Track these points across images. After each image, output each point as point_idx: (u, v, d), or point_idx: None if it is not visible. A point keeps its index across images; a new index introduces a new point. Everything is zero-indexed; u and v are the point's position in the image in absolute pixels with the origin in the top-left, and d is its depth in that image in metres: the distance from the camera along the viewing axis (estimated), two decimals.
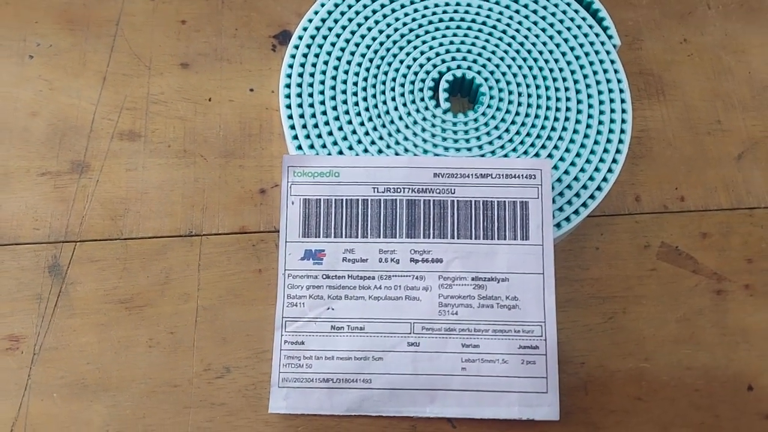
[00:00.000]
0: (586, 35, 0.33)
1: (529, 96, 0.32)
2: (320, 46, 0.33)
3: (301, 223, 0.29)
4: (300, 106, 0.31)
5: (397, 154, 0.31)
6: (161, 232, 0.31)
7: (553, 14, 0.33)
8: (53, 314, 0.30)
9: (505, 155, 0.31)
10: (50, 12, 0.35)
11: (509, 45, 0.33)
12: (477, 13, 0.33)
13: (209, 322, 0.30)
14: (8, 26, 0.35)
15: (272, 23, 0.35)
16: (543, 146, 0.31)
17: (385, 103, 0.32)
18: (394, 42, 0.33)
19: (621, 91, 0.32)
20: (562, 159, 0.31)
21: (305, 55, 0.33)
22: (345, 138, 0.31)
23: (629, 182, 0.33)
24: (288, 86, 0.32)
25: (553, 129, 0.32)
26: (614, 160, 0.31)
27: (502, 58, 0.33)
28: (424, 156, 0.30)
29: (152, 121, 0.33)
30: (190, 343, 0.29)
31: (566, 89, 0.32)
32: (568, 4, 0.34)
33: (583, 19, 0.34)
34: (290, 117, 0.31)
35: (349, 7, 0.33)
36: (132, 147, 0.33)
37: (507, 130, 0.31)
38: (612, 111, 0.32)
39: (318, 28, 0.33)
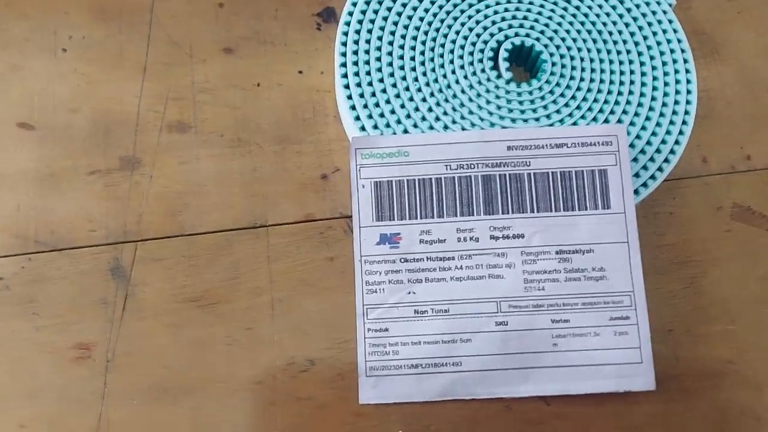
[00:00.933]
0: None
1: (591, 61, 0.31)
2: (372, 21, 0.31)
3: (373, 207, 0.28)
4: (358, 85, 0.30)
5: (463, 128, 0.30)
6: (225, 226, 0.30)
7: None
8: (122, 318, 0.28)
9: (574, 123, 0.30)
10: (79, 1, 0.33)
11: (565, 10, 0.32)
12: None
13: (286, 315, 0.29)
14: (36, 19, 0.33)
15: (313, 1, 0.34)
16: (612, 111, 0.30)
17: (445, 76, 0.31)
18: (447, 12, 0.32)
19: (682, 50, 0.32)
20: (632, 123, 0.30)
21: (357, 32, 0.31)
22: (408, 116, 0.30)
23: (695, 144, 0.32)
24: (344, 65, 0.31)
25: (619, 93, 0.31)
26: (684, 122, 0.30)
27: (560, 24, 0.32)
28: (495, 129, 0.29)
29: (201, 111, 0.32)
30: (269, 337, 0.28)
31: (628, 51, 0.31)
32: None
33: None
34: (349, 98, 0.30)
35: None
36: (183, 139, 0.31)
37: (573, 97, 0.31)
38: (676, 71, 0.31)
39: (368, 2, 0.32)
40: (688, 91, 0.31)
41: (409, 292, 0.28)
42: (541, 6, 0.32)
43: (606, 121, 0.30)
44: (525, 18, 0.32)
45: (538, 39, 0.32)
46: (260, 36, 0.33)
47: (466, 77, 0.31)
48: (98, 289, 0.29)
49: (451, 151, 0.29)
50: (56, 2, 0.33)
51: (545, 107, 0.30)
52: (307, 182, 0.31)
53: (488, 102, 0.30)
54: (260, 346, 0.28)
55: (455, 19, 0.32)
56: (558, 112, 0.30)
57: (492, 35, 0.31)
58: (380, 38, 0.31)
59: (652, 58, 0.31)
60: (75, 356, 0.28)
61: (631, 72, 0.31)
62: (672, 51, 0.32)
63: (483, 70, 0.31)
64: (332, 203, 0.31)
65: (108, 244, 0.29)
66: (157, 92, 0.32)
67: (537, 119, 0.30)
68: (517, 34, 0.32)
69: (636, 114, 0.31)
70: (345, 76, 0.31)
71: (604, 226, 0.28)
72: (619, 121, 0.30)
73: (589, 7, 0.32)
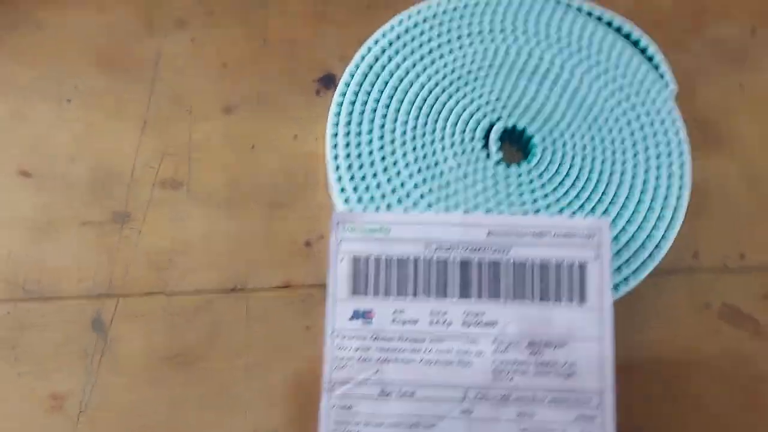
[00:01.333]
0: (641, 82, 0.32)
1: (584, 148, 0.31)
2: (368, 93, 0.32)
3: (350, 282, 0.28)
4: (348, 156, 0.31)
5: (447, 208, 0.30)
6: (207, 286, 0.30)
7: (608, 60, 0.32)
8: (98, 371, 0.29)
9: (560, 210, 0.30)
10: (88, 53, 0.34)
11: (561, 94, 0.32)
12: (528, 59, 0.32)
13: (259, 380, 0.29)
14: (43, 67, 0.34)
15: (315, 67, 0.34)
16: (599, 200, 0.30)
17: (434, 154, 0.31)
18: (443, 89, 0.32)
19: (679, 141, 0.31)
20: (618, 215, 0.30)
21: (352, 103, 0.32)
22: (394, 190, 0.30)
23: (687, 237, 0.32)
24: (335, 135, 0.31)
25: (608, 183, 0.31)
26: (673, 218, 0.30)
27: (555, 107, 0.32)
28: (477, 213, 0.29)
29: (195, 169, 0.32)
30: (240, 402, 0.29)
31: (622, 140, 0.31)
32: (622, 51, 0.33)
33: (638, 64, 0.32)
34: (337, 168, 0.30)
35: (397, 52, 0.32)
36: (174, 196, 0.32)
37: (561, 183, 0.31)
38: (670, 164, 0.31)
39: (366, 74, 0.32)
40: (681, 186, 0.31)
41: (377, 371, 0.28)
42: (538, 89, 0.32)
43: (593, 210, 0.30)
44: (520, 99, 0.32)
45: (531, 122, 0.31)
46: (260, 97, 0.34)
47: (455, 155, 0.31)
48: (79, 340, 0.29)
49: (432, 232, 0.29)
50: (65, 51, 0.34)
51: (532, 191, 0.30)
52: (292, 248, 0.31)
53: (474, 183, 0.30)
54: (232, 410, 0.29)
55: (450, 96, 0.32)
56: (545, 197, 0.30)
57: (485, 115, 0.32)
58: (374, 110, 0.31)
59: (646, 148, 0.31)
60: (50, 405, 0.29)
61: (623, 162, 0.31)
62: (668, 143, 0.31)
63: (473, 150, 0.31)
64: (314, 271, 0.31)
65: (91, 297, 0.30)
66: (154, 147, 0.33)
67: (522, 203, 0.30)
68: (510, 116, 0.32)
69: (624, 206, 0.30)
70: (335, 147, 0.31)
71: (579, 321, 0.28)
72: (606, 211, 0.30)
73: (587, 93, 0.32)
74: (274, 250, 0.31)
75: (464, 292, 0.28)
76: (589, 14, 0.34)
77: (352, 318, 0.28)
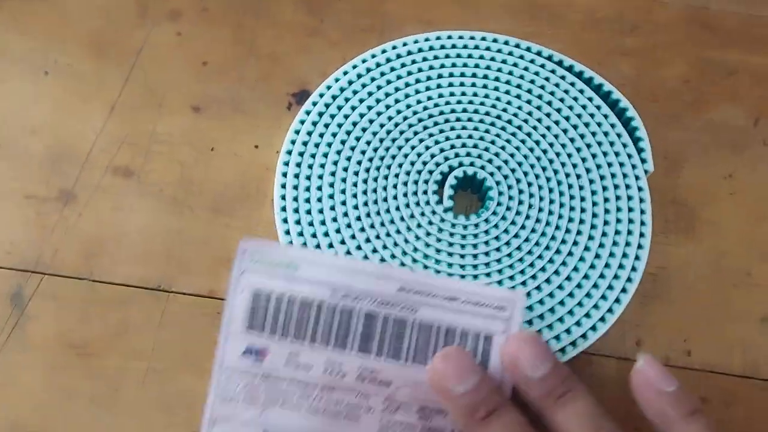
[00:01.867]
0: (617, 153, 0.31)
1: (540, 210, 0.30)
2: (332, 117, 0.31)
3: (247, 316, 0.26)
4: (296, 177, 0.30)
5: (393, 256, 0.29)
6: (130, 281, 0.30)
7: (587, 124, 0.31)
8: (3, 346, 0.29)
9: (500, 270, 0.29)
10: (79, 31, 0.35)
11: (531, 150, 0.31)
12: (500, 108, 0.31)
13: (157, 386, 0.28)
14: (35, 38, 0.34)
15: (294, 80, 0.34)
16: (543, 268, 0.29)
17: (386, 200, 0.30)
18: (409, 126, 0.31)
19: (642, 223, 0.29)
20: (560, 287, 0.28)
21: (314, 123, 0.31)
22: (338, 230, 0.29)
23: (634, 322, 0.30)
24: (289, 152, 0.30)
25: (557, 251, 0.29)
26: (617, 300, 0.28)
27: (519, 164, 0.30)
28: (391, 266, 0.28)
29: (150, 161, 0.32)
30: (132, 405, 0.28)
31: (582, 210, 0.30)
32: (606, 116, 0.31)
33: (618, 135, 0.31)
34: (283, 187, 0.30)
35: (373, 79, 0.32)
36: (123, 184, 0.32)
37: (508, 243, 0.29)
38: (627, 244, 0.29)
39: (335, 97, 0.31)
40: (633, 269, 0.29)
41: (262, 413, 0.26)
42: (508, 141, 0.31)
43: (534, 276, 0.28)
44: (486, 149, 0.31)
45: (491, 174, 0.30)
46: (232, 102, 0.33)
47: (405, 195, 0.30)
48: None
49: (342, 277, 0.27)
50: (56, 25, 0.35)
51: (475, 246, 0.29)
52: (225, 258, 0.31)
53: (419, 225, 0.29)
54: (122, 412, 0.28)
55: (414, 134, 0.31)
56: (486, 254, 0.29)
57: (442, 161, 0.30)
58: (334, 135, 0.31)
59: (606, 223, 0.29)
60: None
61: (578, 232, 0.29)
62: (631, 221, 0.29)
63: (425, 192, 0.30)
64: None
65: (17, 270, 0.30)
66: (117, 133, 0.32)
67: (462, 256, 0.29)
68: (472, 164, 0.30)
69: (568, 278, 0.29)
70: (286, 164, 0.30)
71: None
72: (548, 281, 0.28)
73: (557, 154, 0.30)
74: (206, 257, 0.30)
75: (364, 347, 0.26)
76: (579, 74, 0.32)
77: (244, 354, 0.26)
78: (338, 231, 0.29)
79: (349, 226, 0.29)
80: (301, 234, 0.29)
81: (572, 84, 0.32)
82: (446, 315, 0.26)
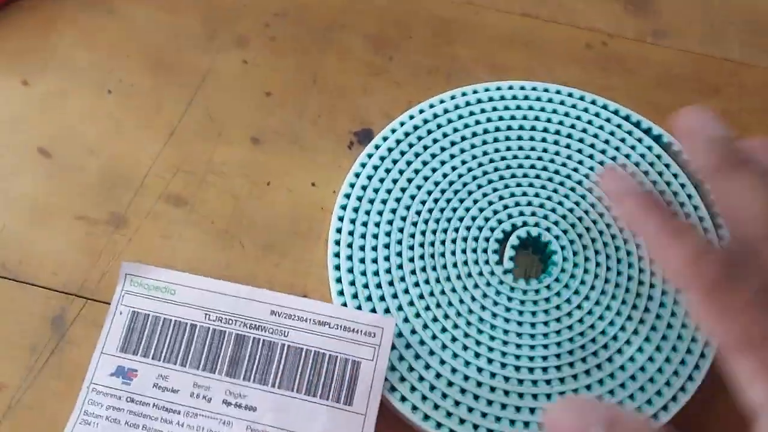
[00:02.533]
0: (687, 215, 0.29)
1: (606, 281, 0.28)
2: (394, 162, 0.30)
3: (122, 336, 0.27)
4: (351, 234, 0.29)
5: (438, 306, 0.27)
6: None
7: (662, 192, 0.29)
8: (41, 371, 0.28)
9: (559, 343, 0.27)
10: (145, 50, 0.34)
11: (601, 215, 0.29)
12: (569, 166, 0.30)
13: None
14: (99, 54, 0.34)
15: (356, 118, 0.33)
16: (605, 346, 0.27)
17: (443, 255, 0.28)
18: (465, 184, 0.29)
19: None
20: (612, 376, 0.27)
21: (375, 167, 0.30)
22: (391, 282, 0.28)
23: (690, 425, 0.28)
24: (347, 196, 0.29)
25: (622, 329, 0.27)
26: (674, 398, 0.26)
27: (588, 229, 0.29)
28: (262, 290, 0.28)
29: (204, 191, 0.31)
30: None
31: (651, 285, 0.28)
32: (690, 197, 0.29)
33: (695, 207, 0.29)
34: (337, 243, 0.29)
35: (439, 126, 0.31)
36: (175, 213, 0.31)
37: (569, 314, 0.27)
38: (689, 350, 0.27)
39: (398, 141, 0.30)
40: (703, 355, 0.27)
41: None
42: (577, 203, 0.29)
43: (597, 352, 0.27)
44: (553, 210, 0.29)
45: (557, 238, 0.29)
46: (292, 135, 0.33)
47: (465, 263, 0.28)
48: (33, 334, 0.29)
49: (216, 301, 0.27)
50: (124, 42, 0.34)
51: (533, 314, 0.27)
52: None
53: (476, 286, 0.28)
54: None
55: (470, 193, 0.29)
56: (549, 323, 0.27)
57: (501, 221, 0.29)
58: (395, 182, 0.30)
59: (675, 301, 0.28)
60: None
61: (646, 309, 0.27)
62: None
63: (485, 251, 0.28)
64: None
65: (60, 292, 0.29)
66: (173, 159, 0.32)
67: (519, 323, 0.27)
68: (537, 225, 0.29)
69: (632, 359, 0.27)
70: (344, 207, 0.29)
71: (340, 423, 0.25)
72: (610, 359, 0.27)
73: None
74: None
75: (232, 371, 0.27)
76: (657, 138, 0.31)
77: (113, 374, 0.27)
78: (391, 284, 0.28)
79: (402, 279, 0.28)
80: (353, 283, 0.28)
81: (649, 148, 0.30)
82: (316, 339, 0.27)
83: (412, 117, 0.31)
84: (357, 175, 0.30)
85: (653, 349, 0.27)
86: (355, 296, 0.28)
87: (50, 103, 0.33)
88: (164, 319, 0.27)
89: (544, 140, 0.30)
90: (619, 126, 0.31)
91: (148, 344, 0.27)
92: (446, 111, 0.31)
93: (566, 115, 0.31)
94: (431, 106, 0.31)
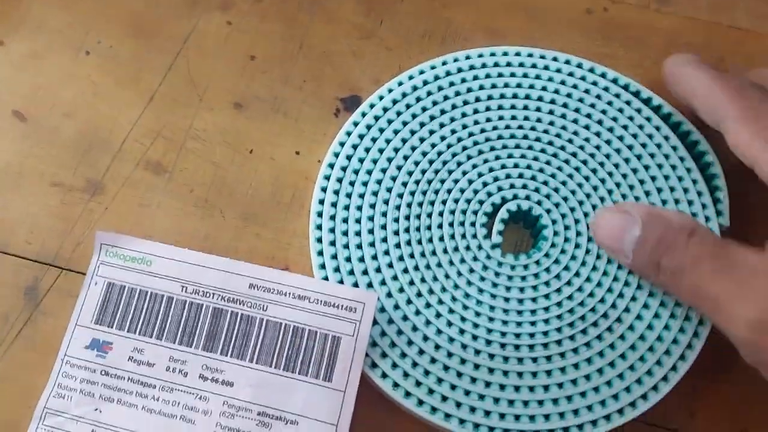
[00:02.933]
0: (690, 202, 0.28)
1: (598, 257, 0.27)
2: (381, 131, 0.29)
3: (97, 308, 0.26)
4: (334, 205, 0.28)
5: (423, 280, 0.26)
6: None
7: (659, 166, 0.28)
8: (13, 342, 0.27)
9: (546, 320, 0.26)
10: (123, 12, 0.33)
11: (594, 188, 0.28)
12: (563, 137, 0.28)
13: None
14: (77, 15, 0.33)
15: (343, 84, 0.32)
16: (595, 323, 0.26)
17: (429, 228, 0.27)
18: (454, 155, 0.28)
19: None
20: (612, 346, 0.26)
21: (360, 136, 0.29)
22: (374, 257, 0.27)
23: (690, 394, 0.27)
24: (331, 166, 0.28)
25: (613, 306, 0.26)
26: (674, 367, 0.25)
27: (580, 202, 0.28)
28: (242, 262, 0.27)
29: (184, 159, 0.30)
30: None
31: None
32: (682, 159, 0.28)
33: (694, 181, 0.28)
34: (320, 215, 0.27)
35: (429, 93, 0.29)
36: (154, 180, 0.30)
37: (558, 290, 0.26)
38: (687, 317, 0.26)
39: (386, 109, 0.29)
40: (696, 334, 0.26)
41: (96, 409, 0.25)
42: (570, 175, 0.28)
43: (585, 330, 0.26)
44: (545, 183, 0.28)
45: (548, 211, 0.27)
46: (276, 102, 0.31)
47: (453, 237, 0.27)
48: (6, 304, 0.28)
49: (194, 273, 0.26)
50: (102, 7, 0.33)
51: (521, 290, 0.26)
52: None
53: (462, 261, 0.27)
54: None
55: (459, 164, 0.28)
56: (537, 299, 0.26)
57: (491, 194, 0.28)
58: (381, 151, 0.28)
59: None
60: None
61: (638, 287, 0.26)
62: None
63: (473, 224, 0.27)
64: None
65: (35, 261, 0.28)
66: (152, 125, 0.31)
67: (506, 299, 0.26)
68: (528, 198, 0.28)
69: (622, 337, 0.26)
70: (327, 178, 0.28)
71: (319, 399, 0.25)
72: (599, 337, 0.26)
73: (623, 196, 0.28)
74: None
75: (209, 345, 0.26)
76: (657, 109, 0.29)
77: (88, 347, 0.26)
78: (374, 257, 0.27)
79: (386, 252, 0.27)
80: (334, 257, 0.27)
81: (648, 119, 0.29)
82: (295, 314, 0.26)
83: (401, 83, 0.30)
84: (342, 144, 0.29)
85: (652, 316, 0.26)
86: (336, 270, 0.27)
87: (25, 64, 0.32)
88: (140, 290, 0.26)
89: (538, 109, 0.29)
90: (617, 95, 0.29)
91: (124, 316, 0.26)
92: (437, 77, 0.30)
93: (562, 83, 0.29)
94: (421, 72, 0.30)
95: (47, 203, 0.29)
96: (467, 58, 0.30)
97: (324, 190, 0.28)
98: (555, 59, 0.30)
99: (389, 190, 0.28)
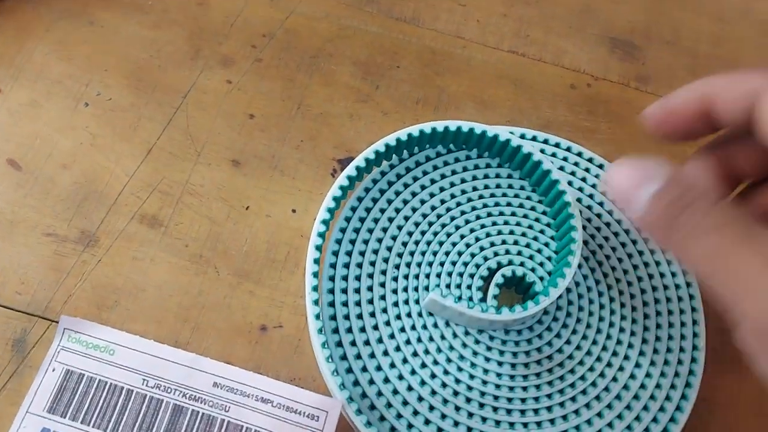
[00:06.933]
0: (673, 274, 0.29)
1: (588, 326, 0.28)
2: (373, 201, 0.29)
3: (52, 396, 0.25)
4: (333, 266, 0.28)
5: (419, 340, 0.27)
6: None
7: (646, 240, 0.29)
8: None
9: (538, 386, 0.26)
10: (123, 64, 0.33)
11: (585, 259, 0.29)
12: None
13: None
14: (77, 66, 0.33)
15: (340, 146, 0.32)
16: (584, 391, 0.27)
17: (428, 277, 0.28)
18: (451, 219, 0.29)
19: (694, 347, 0.28)
20: (599, 415, 0.26)
21: (359, 199, 0.29)
22: (372, 314, 0.27)
23: None
24: (324, 222, 0.29)
25: (601, 375, 0.27)
26: (666, 430, 0.26)
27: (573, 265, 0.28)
28: (207, 359, 0.26)
29: (180, 213, 0.30)
30: None
31: (632, 333, 0.28)
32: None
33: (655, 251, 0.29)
34: (315, 275, 0.28)
35: (417, 163, 0.30)
36: (148, 234, 0.30)
37: (550, 357, 0.27)
38: (676, 374, 0.27)
39: (381, 172, 0.30)
40: (684, 397, 0.27)
41: None
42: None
43: (575, 397, 0.26)
44: (539, 251, 0.29)
45: (541, 278, 0.28)
46: (274, 160, 0.32)
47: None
48: None
49: (157, 366, 0.26)
50: (102, 57, 0.33)
51: (515, 354, 0.27)
52: (244, 328, 0.29)
53: (457, 330, 0.27)
54: None
55: (458, 227, 0.29)
56: (529, 365, 0.27)
57: (494, 256, 0.29)
58: (376, 221, 0.29)
59: (655, 350, 0.27)
60: None
61: (626, 357, 0.27)
62: (682, 349, 0.28)
63: (469, 287, 0.28)
64: (257, 361, 0.28)
65: (24, 312, 0.28)
66: (149, 178, 0.31)
67: (500, 363, 0.27)
68: (522, 264, 0.29)
69: (609, 405, 0.26)
70: (320, 235, 0.28)
71: None
72: (588, 406, 0.26)
73: (613, 268, 0.29)
74: (225, 324, 0.28)
75: None
76: None
77: None
78: (372, 314, 0.27)
79: (384, 311, 0.27)
80: (333, 318, 0.27)
81: None
82: (257, 418, 0.25)
83: (387, 145, 0.30)
84: (335, 200, 0.29)
85: (631, 396, 0.27)
86: (335, 331, 0.27)
87: (23, 112, 0.32)
88: (99, 380, 0.25)
89: (522, 187, 0.30)
90: (596, 177, 0.30)
91: (79, 407, 0.25)
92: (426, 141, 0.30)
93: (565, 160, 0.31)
94: (409, 136, 0.31)
95: (40, 253, 0.29)
96: (459, 129, 0.31)
97: (318, 248, 0.28)
98: (546, 141, 0.31)
99: (389, 249, 0.28)
